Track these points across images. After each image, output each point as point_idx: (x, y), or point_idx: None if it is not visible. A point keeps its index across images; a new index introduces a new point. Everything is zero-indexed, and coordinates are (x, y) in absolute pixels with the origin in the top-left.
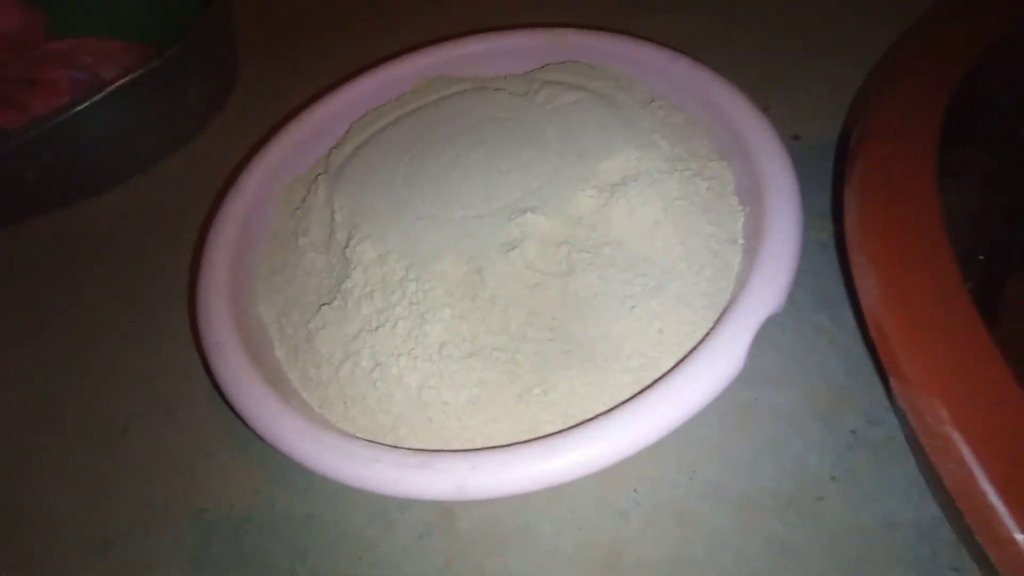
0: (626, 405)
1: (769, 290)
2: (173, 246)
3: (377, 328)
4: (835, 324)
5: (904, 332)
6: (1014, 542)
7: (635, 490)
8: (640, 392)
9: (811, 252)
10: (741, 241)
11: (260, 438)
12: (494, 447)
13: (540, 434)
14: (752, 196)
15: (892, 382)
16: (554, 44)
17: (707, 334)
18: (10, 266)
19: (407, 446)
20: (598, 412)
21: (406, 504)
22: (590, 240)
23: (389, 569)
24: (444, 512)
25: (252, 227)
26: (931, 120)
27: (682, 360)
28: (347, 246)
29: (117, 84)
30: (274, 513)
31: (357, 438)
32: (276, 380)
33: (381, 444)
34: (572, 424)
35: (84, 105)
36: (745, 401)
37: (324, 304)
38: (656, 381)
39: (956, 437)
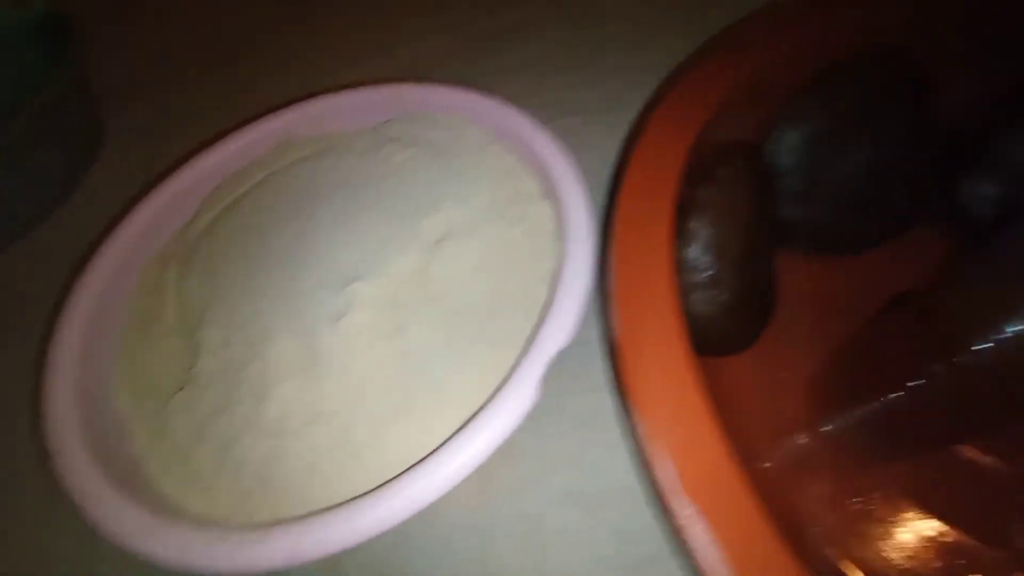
0: (438, 451)
1: (557, 329)
2: (23, 329)
3: (223, 411)
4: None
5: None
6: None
7: (497, 506)
8: (454, 435)
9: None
10: (548, 278)
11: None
12: (328, 508)
13: (376, 485)
14: (561, 237)
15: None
16: (398, 97)
17: (512, 369)
18: None
19: (258, 520)
20: (414, 454)
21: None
22: (416, 298)
23: None
24: (331, 566)
25: (105, 315)
26: (670, 183)
27: (491, 394)
28: (197, 330)
29: None
30: None
31: (194, 526)
32: (130, 475)
33: (220, 526)
34: (391, 469)
35: None
36: (592, 406)
37: (178, 391)
38: (475, 418)
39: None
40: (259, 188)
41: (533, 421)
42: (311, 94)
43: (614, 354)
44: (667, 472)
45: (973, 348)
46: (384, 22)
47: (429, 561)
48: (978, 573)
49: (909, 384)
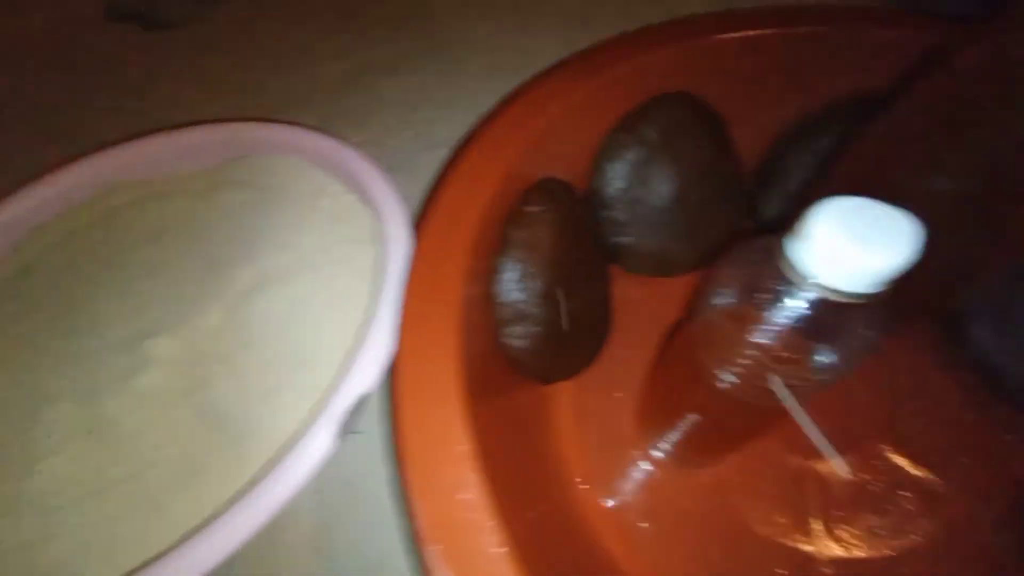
0: (224, 514)
1: (359, 377)
2: None
3: (28, 475)
4: None
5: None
6: None
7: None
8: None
9: None
10: (360, 323)
11: None
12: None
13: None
14: (379, 284)
15: None
16: (235, 138)
17: (310, 424)
18: None
19: None
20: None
21: None
22: (222, 352)
23: None
24: None
25: None
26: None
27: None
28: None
29: None
30: None
31: None
32: None
33: None
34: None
35: None
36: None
37: None
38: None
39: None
40: (71, 238)
41: (333, 467)
42: (142, 133)
43: (393, 400)
44: (421, 510)
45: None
46: (248, 60)
47: None
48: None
49: (687, 416)
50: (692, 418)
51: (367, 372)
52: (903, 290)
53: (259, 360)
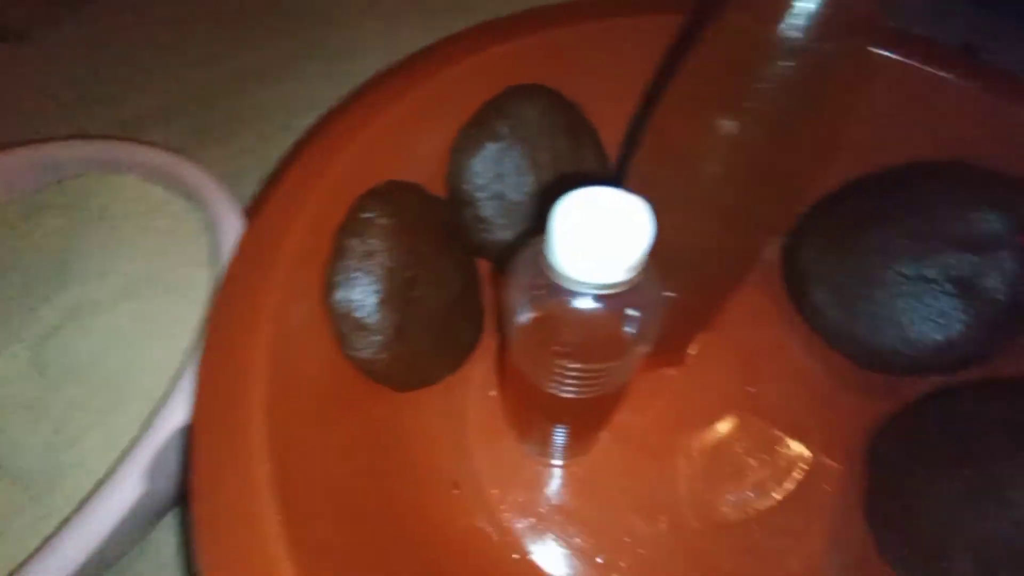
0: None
1: (171, 412)
2: None
3: None
4: None
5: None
6: None
7: None
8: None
9: None
10: (186, 353)
11: None
12: None
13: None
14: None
15: None
16: (54, 159)
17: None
18: None
19: None
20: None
21: None
22: (28, 395)
23: None
24: None
25: None
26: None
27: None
28: None
29: None
30: None
31: None
32: None
33: None
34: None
35: None
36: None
37: None
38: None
39: None
40: None
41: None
42: None
43: (188, 436)
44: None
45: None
46: (109, 70)
47: None
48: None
49: (541, 416)
50: (548, 421)
51: (184, 405)
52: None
53: (67, 402)
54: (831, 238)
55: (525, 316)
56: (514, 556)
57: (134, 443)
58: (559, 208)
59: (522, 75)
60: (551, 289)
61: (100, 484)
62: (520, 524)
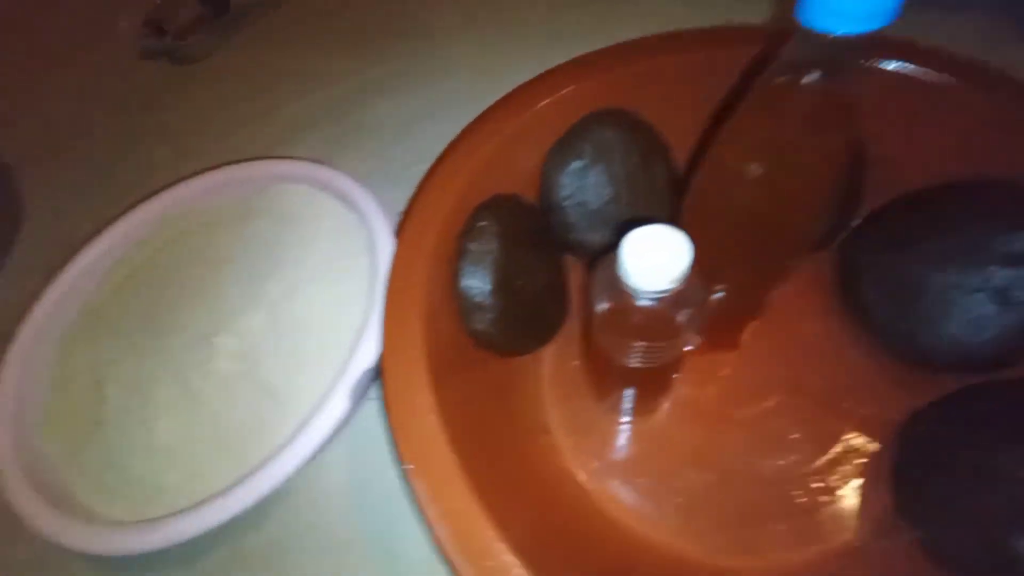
0: (278, 455)
1: (361, 357)
2: None
3: (123, 445)
4: None
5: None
6: None
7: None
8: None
9: None
10: (362, 322)
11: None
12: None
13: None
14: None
15: None
16: (253, 174)
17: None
18: None
19: (156, 515)
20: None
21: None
22: (265, 344)
23: None
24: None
25: (31, 380)
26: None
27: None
28: (101, 386)
29: None
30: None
31: (110, 524)
32: (63, 495)
33: (130, 522)
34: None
35: None
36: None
37: (92, 434)
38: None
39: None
40: (146, 264)
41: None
42: (185, 176)
43: (381, 370)
44: (399, 443)
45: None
46: (260, 88)
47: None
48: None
49: (616, 382)
50: (620, 383)
51: (368, 353)
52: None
53: (292, 348)
54: (885, 245)
55: (602, 306)
56: (592, 491)
57: (340, 375)
58: (626, 240)
59: (604, 101)
60: (621, 291)
61: (321, 400)
62: (596, 465)
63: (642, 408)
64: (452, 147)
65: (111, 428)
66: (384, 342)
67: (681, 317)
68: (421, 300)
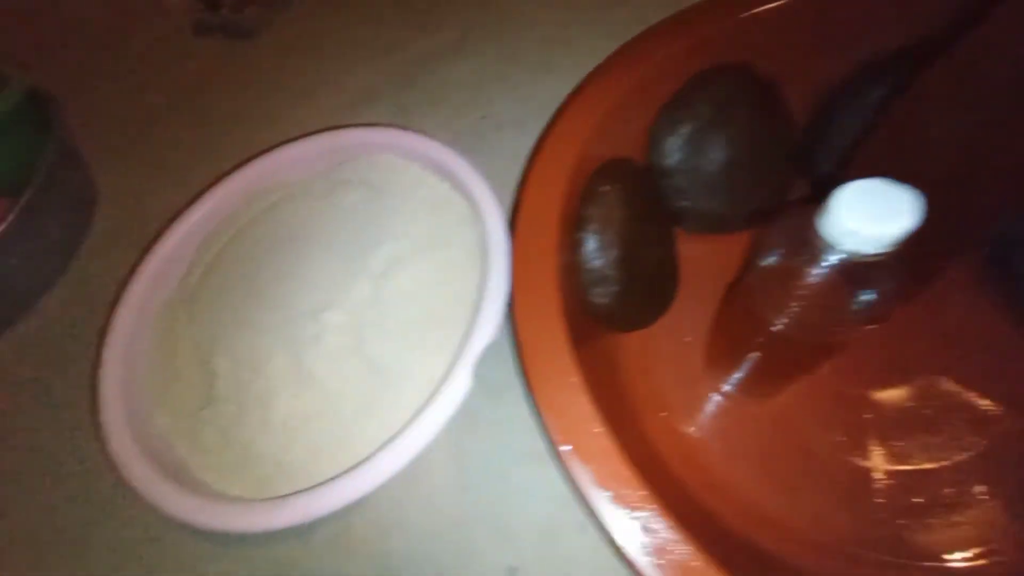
0: (402, 431)
1: (482, 331)
2: (68, 374)
3: (240, 421)
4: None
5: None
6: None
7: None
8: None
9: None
10: (475, 292)
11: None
12: (332, 479)
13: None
14: (484, 255)
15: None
16: (339, 144)
17: (449, 367)
18: None
19: (281, 493)
20: (379, 436)
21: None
22: (371, 319)
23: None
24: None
25: (134, 357)
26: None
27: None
28: (209, 361)
29: None
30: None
31: (234, 502)
32: (179, 472)
33: (256, 500)
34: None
35: None
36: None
37: (203, 409)
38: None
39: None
40: (237, 238)
41: (469, 401)
42: (267, 148)
43: (518, 347)
44: (552, 425)
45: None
46: (320, 60)
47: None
48: None
49: (749, 355)
50: (754, 357)
51: (488, 328)
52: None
53: (400, 324)
54: None
55: (771, 260)
56: (717, 471)
57: (456, 351)
58: (841, 191)
59: (715, 57)
60: (805, 246)
61: (442, 377)
62: (719, 446)
63: (769, 388)
64: (564, 110)
65: (225, 404)
66: (518, 318)
67: (863, 294)
68: (553, 273)
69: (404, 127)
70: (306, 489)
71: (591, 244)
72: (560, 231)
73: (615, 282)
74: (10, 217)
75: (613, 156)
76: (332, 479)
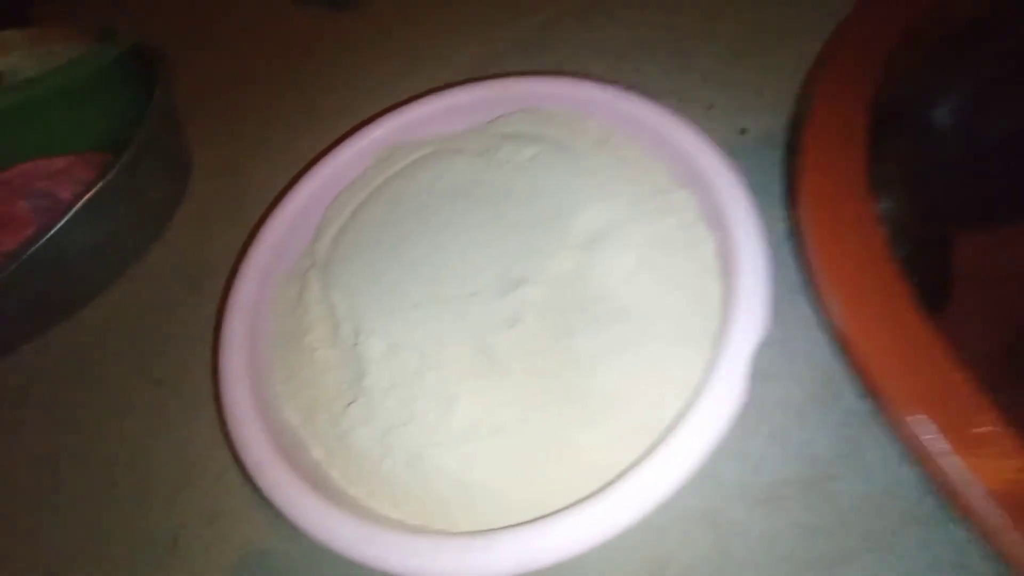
0: (650, 458)
1: (751, 323)
2: (167, 349)
3: (406, 423)
4: (813, 310)
5: (860, 338)
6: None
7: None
8: (658, 441)
9: (775, 243)
10: (715, 268)
11: (327, 547)
12: (549, 515)
13: (572, 492)
14: (716, 223)
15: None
16: (503, 94)
17: (710, 369)
18: (11, 398)
19: (458, 527)
20: (620, 461)
21: None
22: (579, 299)
23: None
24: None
25: (257, 333)
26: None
27: (691, 401)
28: (356, 342)
29: (79, 204)
30: None
31: (414, 532)
32: (320, 482)
33: (437, 532)
34: (599, 476)
35: (52, 232)
36: (746, 399)
37: (351, 403)
38: (672, 425)
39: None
40: (376, 198)
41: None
42: (402, 101)
43: (844, 342)
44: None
45: None
46: (432, 28)
47: (604, 560)
48: None
49: None
50: None
51: (758, 320)
52: None
53: (615, 309)
54: None
55: None
56: None
57: (716, 349)
58: None
59: None
60: None
61: (699, 384)
62: None
63: None
64: (845, 35)
65: (382, 398)
66: (841, 299)
67: None
68: (876, 241)
69: (586, 76)
70: (526, 523)
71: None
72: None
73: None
74: (110, 174)
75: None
76: (557, 513)
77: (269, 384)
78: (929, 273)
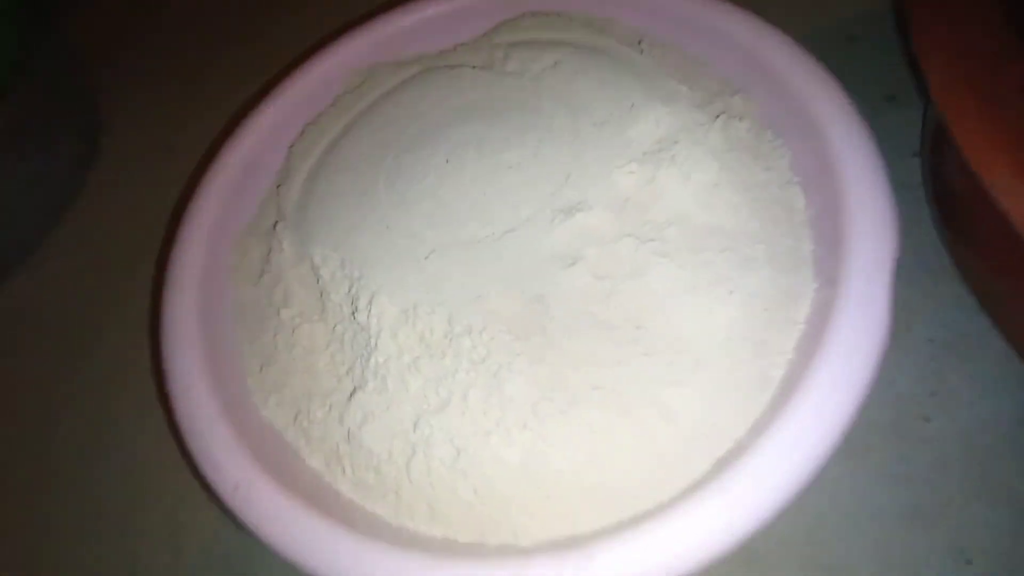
0: (788, 419)
1: (877, 237)
2: (96, 330)
3: (439, 409)
4: None
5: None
6: None
7: None
8: (784, 391)
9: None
10: (797, 179)
11: None
12: (668, 506)
13: (671, 474)
14: (790, 127)
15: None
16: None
17: (836, 300)
18: None
19: (531, 538)
20: (731, 426)
21: None
22: (649, 224)
23: None
24: None
25: (211, 313)
26: None
27: (807, 338)
28: (355, 309)
29: None
30: None
31: (486, 554)
32: (325, 500)
33: (503, 547)
34: (704, 449)
35: None
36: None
37: (356, 391)
38: (799, 372)
39: None
40: (358, 128)
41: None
42: (371, 13)
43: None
44: None
45: None
46: None
47: None
48: None
49: None
50: None
51: (886, 232)
52: None
53: (695, 233)
54: None
55: None
56: None
57: (832, 280)
58: None
59: None
60: None
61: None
62: None
63: None
64: None
65: (399, 386)
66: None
67: None
68: None
69: None
70: (640, 520)
71: None
72: None
73: None
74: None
75: None
76: (646, 516)
77: (236, 378)
78: None
